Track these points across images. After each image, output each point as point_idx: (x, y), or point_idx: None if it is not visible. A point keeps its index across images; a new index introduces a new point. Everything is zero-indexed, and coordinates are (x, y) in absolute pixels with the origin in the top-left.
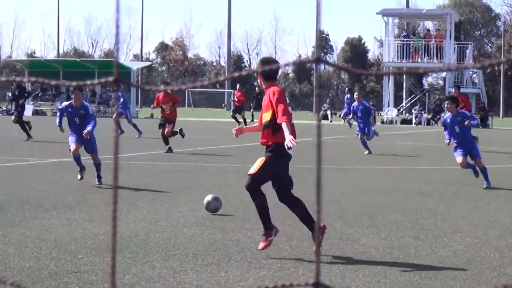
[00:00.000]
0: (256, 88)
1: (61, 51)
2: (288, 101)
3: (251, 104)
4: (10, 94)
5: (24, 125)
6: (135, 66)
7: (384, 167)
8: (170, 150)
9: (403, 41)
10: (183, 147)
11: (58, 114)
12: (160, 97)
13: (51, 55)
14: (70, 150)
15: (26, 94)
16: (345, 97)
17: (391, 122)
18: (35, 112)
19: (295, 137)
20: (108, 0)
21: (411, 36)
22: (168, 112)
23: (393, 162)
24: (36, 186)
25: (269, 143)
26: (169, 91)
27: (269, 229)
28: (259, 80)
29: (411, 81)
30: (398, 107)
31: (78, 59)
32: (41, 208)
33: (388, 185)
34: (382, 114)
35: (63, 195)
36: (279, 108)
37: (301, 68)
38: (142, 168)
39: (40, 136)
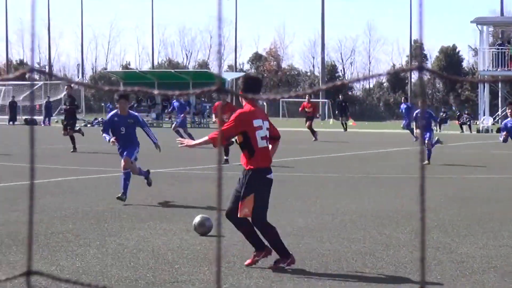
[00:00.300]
0: (340, 96)
1: (155, 62)
2: (238, 122)
3: (336, 112)
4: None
5: (73, 138)
6: (229, 76)
7: (479, 176)
8: (226, 161)
9: (498, 49)
10: (279, 157)
11: (103, 130)
12: (216, 108)
13: (146, 67)
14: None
15: (74, 106)
16: (401, 107)
17: (486, 130)
18: None
19: (270, 160)
20: (201, 11)
21: (506, 44)
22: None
23: (488, 171)
24: (133, 197)
25: (246, 168)
26: (228, 101)
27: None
28: (240, 99)
29: (507, 89)
30: (494, 116)
31: (172, 70)
32: (138, 219)
33: (484, 194)
34: (477, 123)
35: (159, 205)
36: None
37: (396, 78)
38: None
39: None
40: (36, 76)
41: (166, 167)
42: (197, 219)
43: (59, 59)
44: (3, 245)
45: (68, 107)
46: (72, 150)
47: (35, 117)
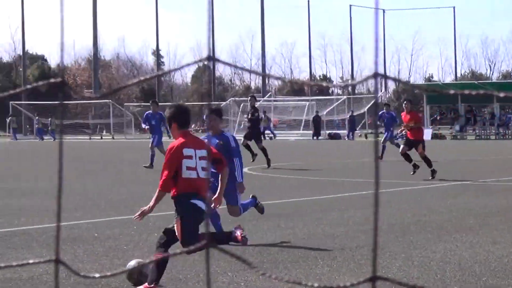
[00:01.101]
0: None
1: (458, 74)
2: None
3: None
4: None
5: (265, 150)
6: None
7: None
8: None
9: None
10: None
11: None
12: (402, 116)
13: (448, 79)
14: None
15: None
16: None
17: None
18: (434, 136)
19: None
20: (506, 21)
21: None
22: (409, 130)
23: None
24: (437, 209)
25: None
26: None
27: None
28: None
29: None
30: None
31: (475, 82)
32: (443, 231)
33: None
34: None
35: (464, 218)
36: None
37: None
38: (497, 188)
39: (441, 157)
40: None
41: (468, 178)
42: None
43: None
44: (309, 258)
45: (251, 117)
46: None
47: (339, 131)
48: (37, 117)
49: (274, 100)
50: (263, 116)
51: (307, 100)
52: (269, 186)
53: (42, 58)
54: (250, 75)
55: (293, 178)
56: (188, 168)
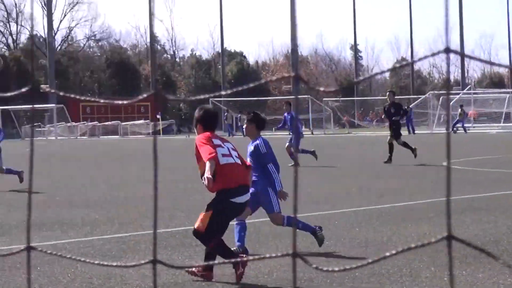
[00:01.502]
0: None
1: None
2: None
3: None
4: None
5: (406, 145)
6: None
7: None
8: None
9: None
10: None
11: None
12: None
13: None
14: None
15: (401, 112)
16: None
17: None
18: None
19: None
20: None
21: None
22: None
23: None
24: None
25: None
26: None
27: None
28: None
29: None
30: None
31: None
32: None
33: None
34: None
35: None
36: (200, 150)
37: None
38: None
39: None
40: None
41: None
42: None
43: None
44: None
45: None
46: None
47: None
48: (226, 113)
49: (474, 93)
50: (406, 108)
51: (508, 93)
52: (462, 180)
53: (240, 55)
54: (448, 67)
55: (491, 172)
56: (224, 155)
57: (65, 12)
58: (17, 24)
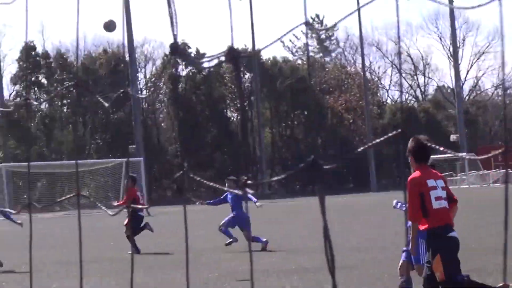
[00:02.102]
0: None
1: None
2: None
3: None
4: None
5: None
6: None
7: None
8: None
9: None
10: None
11: None
12: None
13: None
14: None
15: None
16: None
17: None
18: None
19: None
20: None
21: None
22: None
23: None
24: None
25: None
26: None
27: None
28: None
29: None
30: None
31: None
32: None
33: None
34: None
35: None
36: (408, 201)
37: None
38: None
39: None
40: None
41: None
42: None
43: None
44: None
45: None
46: None
47: None
48: None
49: None
50: None
51: None
52: None
53: None
54: None
55: None
56: (437, 199)
57: (472, 62)
58: (424, 76)
